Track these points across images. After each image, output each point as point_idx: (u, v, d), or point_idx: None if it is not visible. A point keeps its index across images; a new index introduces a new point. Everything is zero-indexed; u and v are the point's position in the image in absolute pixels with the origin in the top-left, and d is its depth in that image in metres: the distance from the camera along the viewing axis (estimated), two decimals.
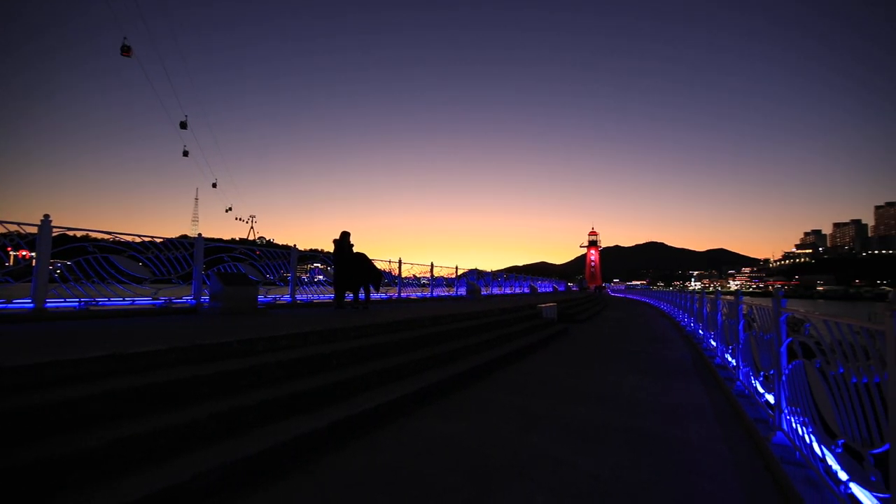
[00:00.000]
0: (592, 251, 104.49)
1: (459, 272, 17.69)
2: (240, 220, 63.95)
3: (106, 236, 6.40)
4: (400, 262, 13.74)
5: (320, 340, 4.63)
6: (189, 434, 2.61)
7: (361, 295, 8.90)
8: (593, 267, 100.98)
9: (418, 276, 15.17)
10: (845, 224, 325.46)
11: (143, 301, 6.82)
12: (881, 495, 1.88)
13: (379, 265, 12.33)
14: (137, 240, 6.94)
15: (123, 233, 6.60)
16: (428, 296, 14.96)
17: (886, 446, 1.76)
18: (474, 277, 18.77)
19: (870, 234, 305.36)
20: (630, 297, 46.95)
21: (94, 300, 6.22)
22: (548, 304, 12.42)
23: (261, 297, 8.80)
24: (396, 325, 5.99)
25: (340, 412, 3.36)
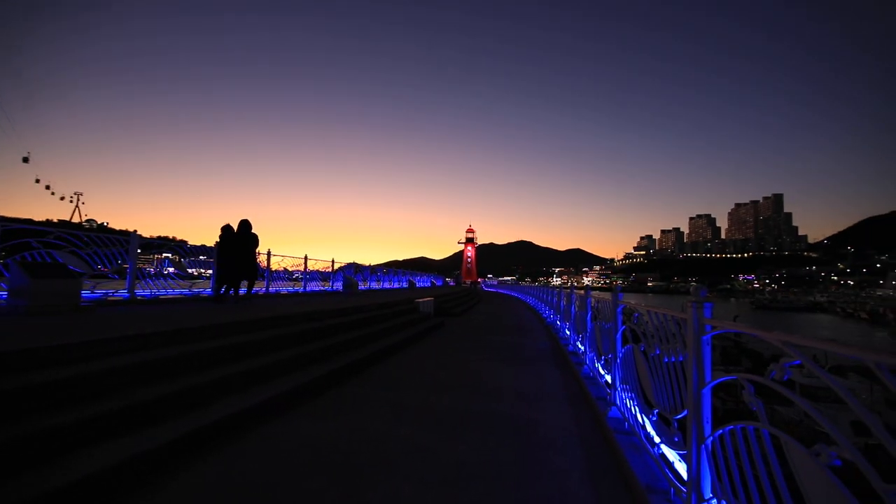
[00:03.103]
0: (469, 248, 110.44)
1: (336, 266, 17.15)
2: (66, 199, 52.47)
3: None
4: (269, 253, 12.77)
5: (167, 342, 4.06)
6: None
7: (242, 289, 8.48)
8: (469, 263, 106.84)
9: (290, 269, 14.29)
10: (669, 231, 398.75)
11: None
12: (681, 452, 2.35)
13: None
14: None
15: None
16: (301, 291, 14.22)
17: (685, 412, 2.20)
18: (352, 272, 18.39)
19: (685, 240, 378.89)
20: (502, 291, 50.78)
21: None
22: (425, 299, 12.74)
23: (87, 293, 7.36)
24: (264, 322, 5.56)
25: (189, 424, 2.98)
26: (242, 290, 8.79)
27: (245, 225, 8.53)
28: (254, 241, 8.56)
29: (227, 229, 8.51)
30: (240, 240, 8.40)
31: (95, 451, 2.48)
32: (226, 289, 8.30)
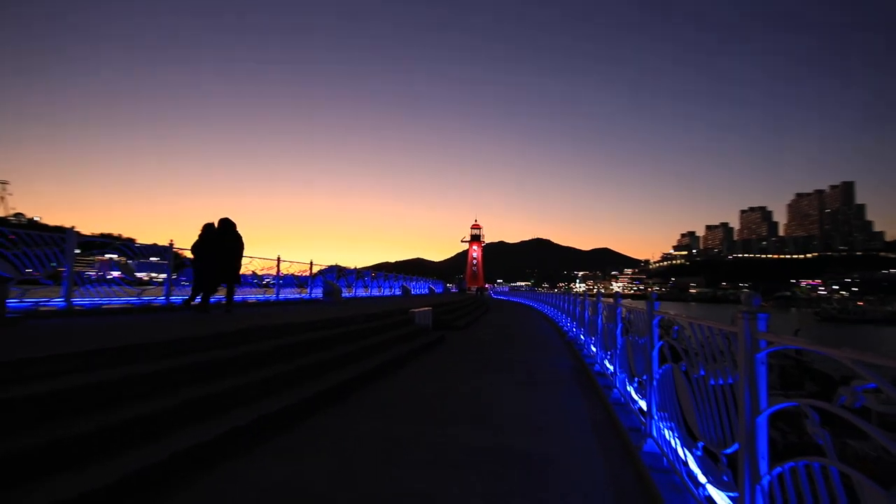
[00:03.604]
0: (475, 247, 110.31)
1: (315, 269, 17.18)
2: None
3: None
4: None
5: (109, 362, 4.05)
6: None
7: (219, 297, 9.06)
8: (475, 266, 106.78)
9: (259, 273, 14.32)
10: (716, 227, 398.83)
11: None
12: (732, 494, 2.33)
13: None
14: None
15: None
16: (273, 298, 14.25)
17: (736, 446, 2.18)
18: (334, 276, 18.42)
19: (735, 238, 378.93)
20: (514, 299, 50.82)
21: None
22: (422, 309, 12.75)
23: (13, 302, 7.37)
24: (227, 337, 5.56)
25: (133, 464, 2.97)
26: (218, 298, 9.07)
27: (227, 224, 8.77)
28: (238, 241, 8.86)
29: (208, 228, 8.78)
30: (221, 240, 8.66)
31: (12, 495, 2.47)
32: (203, 296, 8.57)
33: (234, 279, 8.93)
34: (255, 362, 5.29)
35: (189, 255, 11.36)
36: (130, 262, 10.06)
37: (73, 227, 8.27)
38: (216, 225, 8.78)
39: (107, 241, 10.09)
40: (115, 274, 9.85)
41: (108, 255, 10.32)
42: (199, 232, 8.72)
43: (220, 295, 9.24)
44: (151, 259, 10.68)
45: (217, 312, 8.52)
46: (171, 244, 10.47)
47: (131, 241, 10.19)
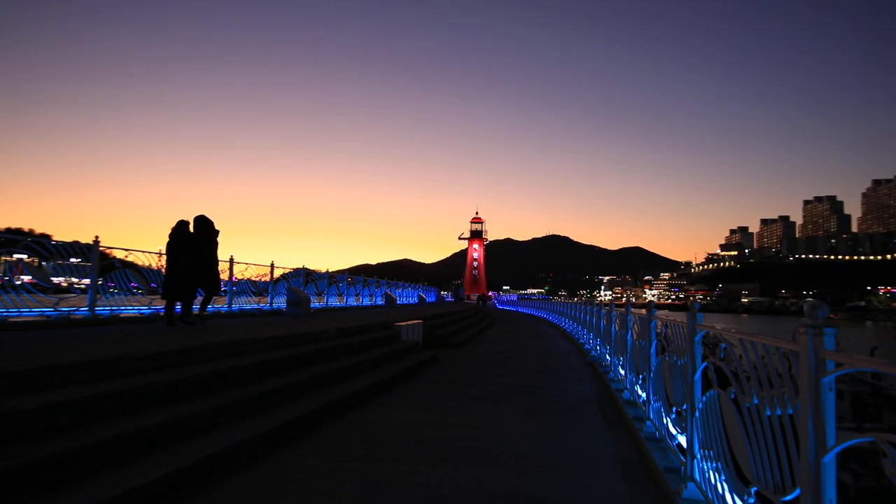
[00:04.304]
0: (475, 245, 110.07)
1: (277, 273, 17.14)
2: None
3: None
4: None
5: (14, 389, 4.03)
6: None
7: (194, 306, 9.62)
8: (476, 269, 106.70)
9: None
10: (773, 221, 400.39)
11: None
12: None
13: (141, 260, 11.33)
14: None
15: None
16: (224, 309, 14.22)
17: (797, 492, 2.18)
18: (300, 282, 18.37)
19: (797, 235, 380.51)
20: (523, 310, 50.90)
21: None
22: (410, 323, 12.74)
23: None
24: (165, 357, 5.54)
25: None
26: (192, 308, 9.65)
27: (203, 222, 9.56)
28: (214, 241, 9.70)
29: (181, 226, 9.38)
30: (195, 240, 9.34)
31: None
32: (183, 306, 9.36)
33: (212, 286, 9.81)
34: (202, 388, 5.27)
35: (119, 255, 11.33)
36: (45, 263, 10.00)
37: None
38: (191, 222, 9.44)
39: (14, 238, 10.03)
40: (26, 279, 9.80)
41: (16, 256, 10.27)
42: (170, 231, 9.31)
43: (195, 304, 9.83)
44: (72, 260, 10.61)
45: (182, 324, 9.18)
46: (97, 241, 10.41)
47: (46, 237, 10.12)
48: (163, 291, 9.39)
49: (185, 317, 9.34)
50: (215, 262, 9.78)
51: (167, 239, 9.36)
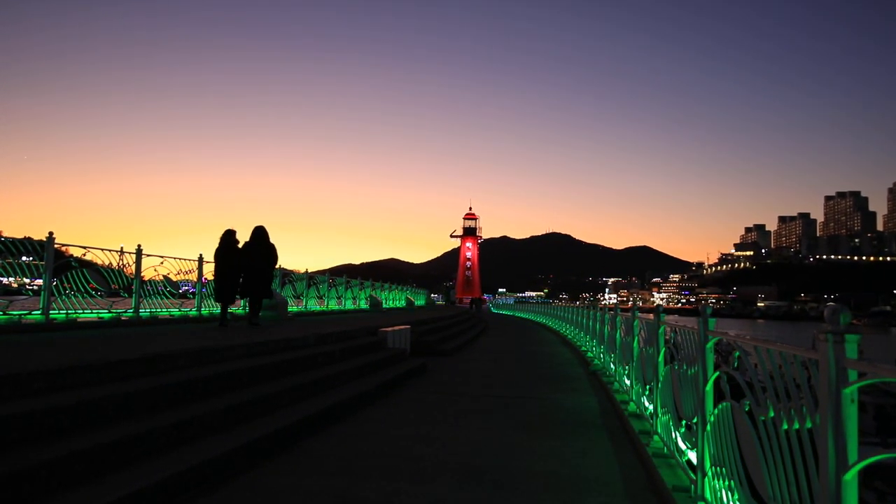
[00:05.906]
0: (469, 244, 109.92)
1: None
2: None
3: None
4: (139, 251, 12.61)
5: None
6: None
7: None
8: (469, 270, 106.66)
9: (175, 278, 14.18)
10: (792, 219, 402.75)
11: None
12: None
13: (100, 258, 11.28)
14: None
15: None
16: (193, 312, 14.10)
17: None
18: (277, 283, 18.30)
19: (818, 234, 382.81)
20: (521, 315, 50.95)
21: None
22: (397, 328, 12.74)
23: None
24: (128, 366, 5.51)
25: None
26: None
27: (261, 233, 11.39)
28: (271, 251, 11.53)
29: (229, 235, 11.25)
30: (251, 251, 11.21)
31: None
32: (222, 308, 11.44)
33: (265, 292, 11.66)
34: (168, 400, 5.25)
35: (76, 252, 11.26)
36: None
37: None
38: (232, 231, 11.31)
39: None
40: None
41: None
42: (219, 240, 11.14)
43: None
44: (23, 259, 10.51)
45: (238, 325, 11.65)
46: (52, 237, 10.32)
47: (27, 241, 10.06)
48: (215, 295, 11.86)
49: (251, 318, 11.47)
50: (271, 272, 11.82)
51: (216, 245, 11.16)
